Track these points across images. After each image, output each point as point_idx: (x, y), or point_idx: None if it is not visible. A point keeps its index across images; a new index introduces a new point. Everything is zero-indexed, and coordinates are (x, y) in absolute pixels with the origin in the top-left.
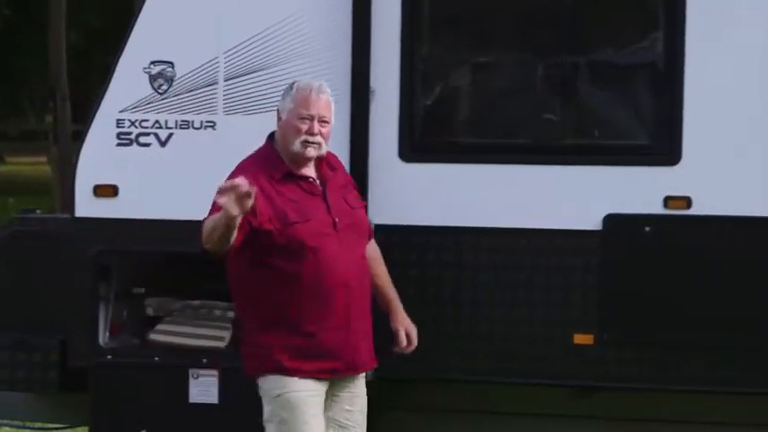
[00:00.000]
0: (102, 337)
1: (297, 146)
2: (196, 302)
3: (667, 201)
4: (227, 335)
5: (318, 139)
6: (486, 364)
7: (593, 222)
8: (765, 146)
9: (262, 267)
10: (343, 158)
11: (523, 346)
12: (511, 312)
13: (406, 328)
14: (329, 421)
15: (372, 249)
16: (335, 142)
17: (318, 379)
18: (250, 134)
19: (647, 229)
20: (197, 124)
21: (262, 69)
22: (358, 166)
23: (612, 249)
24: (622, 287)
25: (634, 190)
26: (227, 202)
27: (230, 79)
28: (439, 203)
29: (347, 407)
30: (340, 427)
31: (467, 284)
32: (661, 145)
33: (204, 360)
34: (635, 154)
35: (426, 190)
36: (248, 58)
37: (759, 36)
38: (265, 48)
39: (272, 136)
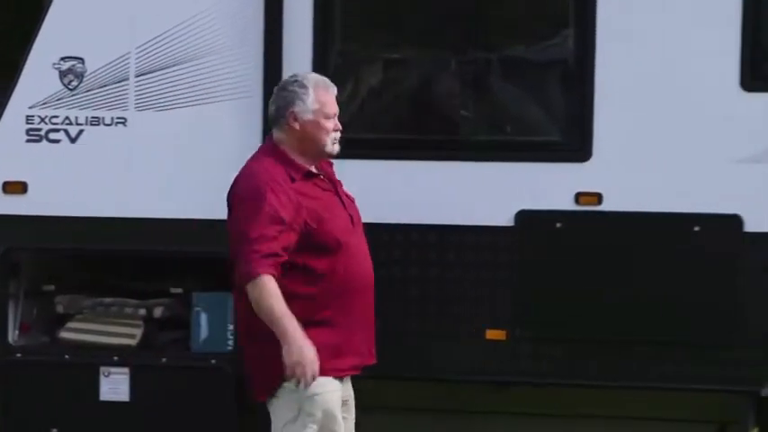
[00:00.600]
0: (12, 336)
1: (329, 145)
2: (107, 300)
3: (578, 197)
4: (138, 332)
5: (339, 134)
6: (401, 360)
7: (505, 218)
8: (674, 143)
9: (293, 269)
10: None
11: (437, 341)
12: (424, 308)
13: None
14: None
15: None
16: (251, 138)
17: (341, 378)
18: (161, 130)
19: (559, 225)
20: (108, 120)
21: (174, 65)
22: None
23: (525, 245)
24: (535, 283)
25: (546, 186)
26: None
27: (141, 75)
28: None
29: (345, 414)
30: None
31: (381, 281)
32: (572, 141)
33: (115, 358)
34: (547, 150)
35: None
36: (160, 55)
37: (669, 35)
38: (177, 44)
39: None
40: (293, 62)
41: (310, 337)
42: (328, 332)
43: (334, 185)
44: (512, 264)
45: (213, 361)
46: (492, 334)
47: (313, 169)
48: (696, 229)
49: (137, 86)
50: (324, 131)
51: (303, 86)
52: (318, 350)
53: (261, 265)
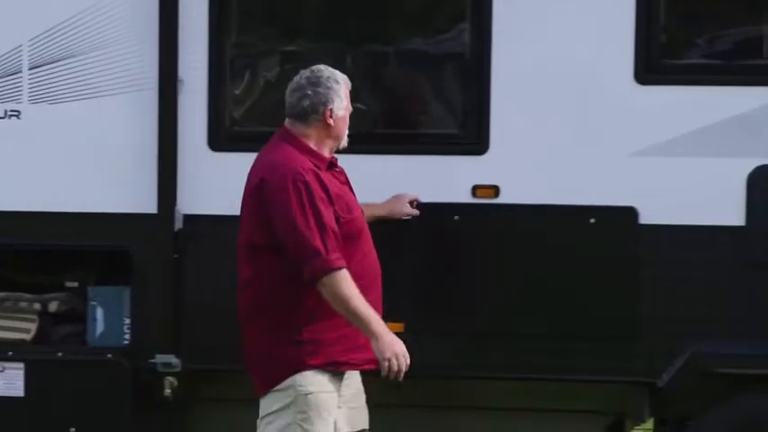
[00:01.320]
0: None
1: (345, 139)
2: (1, 294)
3: (475, 190)
4: (33, 327)
5: None
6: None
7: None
8: (570, 136)
9: None
10: (152, 149)
11: None
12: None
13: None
14: (338, 421)
15: None
16: (146, 131)
17: (339, 378)
18: (56, 123)
19: (456, 217)
20: (1, 113)
21: (68, 58)
22: (167, 157)
23: (423, 237)
24: (432, 275)
25: (443, 179)
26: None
27: (35, 68)
28: None
29: (352, 404)
30: (349, 424)
31: None
32: (469, 135)
33: (10, 353)
34: (444, 143)
35: (236, 179)
36: (54, 47)
37: (564, 28)
38: (71, 36)
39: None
40: (189, 55)
41: (322, 329)
42: (343, 324)
43: (346, 177)
44: (408, 256)
45: (109, 355)
46: (390, 327)
47: (333, 161)
48: (592, 221)
49: (30, 79)
50: (347, 127)
51: (337, 83)
52: (332, 342)
53: (338, 259)
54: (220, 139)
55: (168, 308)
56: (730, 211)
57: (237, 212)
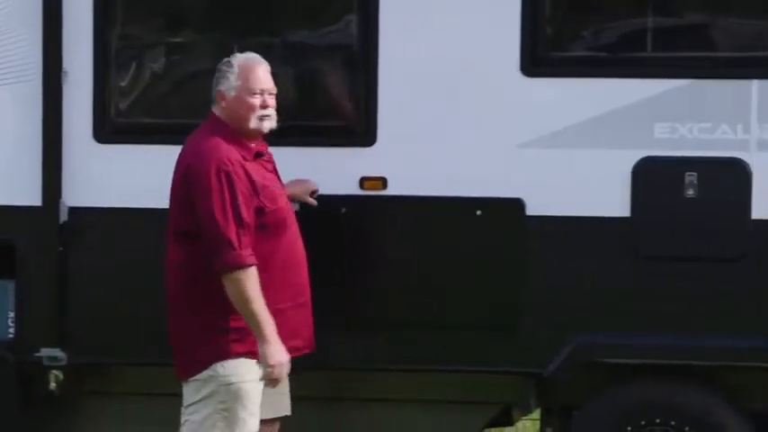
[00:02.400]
0: None
1: (254, 122)
2: None
3: (363, 181)
4: None
5: (271, 111)
6: None
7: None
8: (457, 128)
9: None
10: (36, 140)
11: None
12: None
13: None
14: (263, 406)
15: None
16: (30, 124)
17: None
18: None
19: (344, 209)
20: None
21: None
22: (52, 148)
23: (310, 230)
24: (320, 267)
25: (331, 171)
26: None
27: None
28: (135, 185)
29: (276, 391)
30: (274, 410)
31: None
32: (357, 126)
33: None
34: (331, 135)
35: (122, 172)
36: None
37: (451, 21)
38: None
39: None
40: (73, 46)
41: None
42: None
43: (274, 165)
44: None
45: None
46: None
47: (259, 150)
48: (479, 213)
49: None
50: (247, 107)
51: (230, 65)
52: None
53: (249, 255)
54: (106, 131)
55: (53, 301)
56: (616, 203)
57: (123, 205)
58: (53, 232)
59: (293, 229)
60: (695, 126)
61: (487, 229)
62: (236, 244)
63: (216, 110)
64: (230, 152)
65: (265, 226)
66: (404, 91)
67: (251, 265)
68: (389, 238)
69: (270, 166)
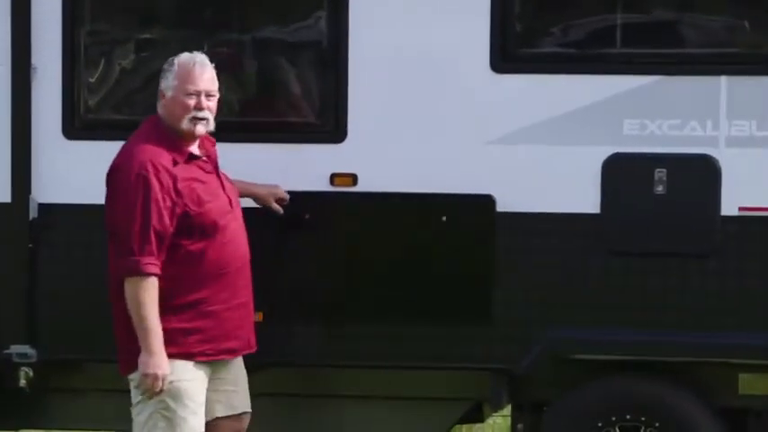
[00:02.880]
0: None
1: (185, 123)
2: None
3: (333, 178)
4: None
5: (206, 114)
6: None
7: None
8: (428, 124)
9: (168, 251)
10: (5, 137)
11: None
12: None
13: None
14: (216, 404)
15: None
16: None
17: (210, 363)
18: None
19: (314, 206)
20: None
21: None
22: (21, 144)
23: (281, 226)
24: (290, 264)
25: (301, 167)
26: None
27: None
28: (104, 182)
29: (232, 387)
30: (230, 407)
31: None
32: (327, 123)
33: None
34: (301, 132)
35: (91, 168)
36: None
37: (421, 17)
38: None
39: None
40: (42, 42)
41: (177, 320)
42: (197, 315)
43: (216, 167)
44: (268, 245)
45: None
46: None
47: (195, 151)
48: (449, 209)
49: None
50: (182, 108)
51: (171, 64)
52: (187, 334)
53: (148, 264)
54: (75, 127)
55: (23, 298)
56: (586, 199)
57: (93, 201)
58: (22, 228)
59: (231, 229)
60: (664, 122)
61: (458, 226)
62: (136, 250)
63: (158, 108)
64: (156, 156)
65: (192, 228)
66: (374, 87)
67: (149, 275)
68: (359, 234)
69: (209, 167)
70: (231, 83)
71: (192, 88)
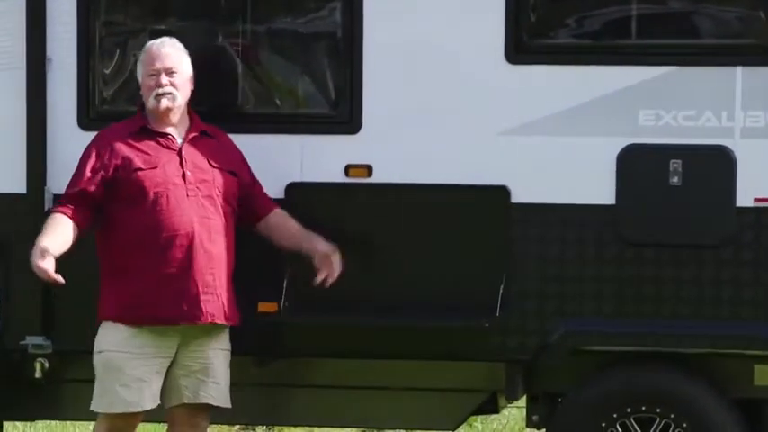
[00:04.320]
0: None
1: (152, 102)
2: None
3: (348, 169)
4: None
5: (168, 89)
6: None
7: (275, 191)
8: (442, 115)
9: (108, 214)
10: (20, 128)
11: None
12: None
13: (322, 253)
14: (175, 391)
15: (278, 216)
16: (14, 112)
17: (157, 332)
18: None
19: (330, 197)
20: None
21: None
22: (36, 136)
23: (295, 217)
24: (306, 256)
25: (316, 159)
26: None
27: None
28: None
29: (201, 377)
30: (189, 396)
31: None
32: (342, 114)
33: None
34: (316, 123)
35: None
36: None
37: (436, 7)
38: None
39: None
40: (57, 34)
41: (114, 284)
42: (132, 281)
43: (185, 145)
44: None
45: None
46: (264, 306)
47: (152, 127)
48: (464, 200)
49: None
50: (146, 89)
51: (143, 51)
52: (119, 297)
53: (59, 206)
54: (90, 118)
55: (38, 289)
56: (600, 191)
57: None
58: (38, 219)
59: (171, 202)
60: (680, 113)
61: (473, 217)
62: (63, 199)
63: None
64: (109, 129)
65: (122, 193)
66: (389, 78)
67: (54, 211)
68: (374, 225)
69: (167, 143)
70: (246, 74)
71: (151, 69)
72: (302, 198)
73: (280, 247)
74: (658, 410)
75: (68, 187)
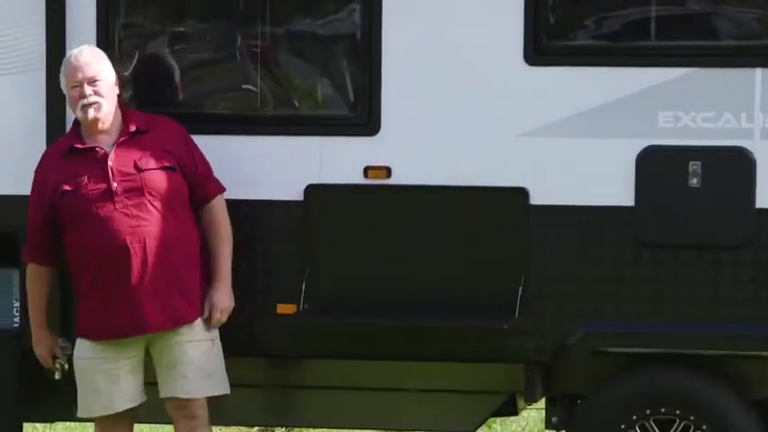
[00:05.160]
0: None
1: (79, 113)
2: None
3: (367, 171)
4: None
5: (93, 98)
6: None
7: (294, 193)
8: (461, 117)
9: (61, 237)
10: (41, 130)
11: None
12: None
13: (211, 304)
14: (160, 386)
15: (211, 212)
16: (34, 112)
17: (110, 343)
18: None
19: (348, 198)
20: None
21: None
22: (54, 136)
23: (314, 219)
24: (324, 257)
25: (335, 160)
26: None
27: None
28: None
29: (171, 371)
30: (167, 390)
31: None
32: (361, 116)
33: None
34: (335, 125)
35: None
36: None
37: (454, 9)
38: None
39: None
40: (76, 36)
41: (79, 300)
42: (86, 299)
43: (112, 155)
44: (302, 238)
45: None
46: (283, 308)
47: (80, 142)
48: (483, 202)
49: None
50: (73, 102)
51: (62, 63)
52: (82, 313)
53: (25, 252)
54: None
55: (57, 290)
56: (619, 192)
57: None
58: None
59: (100, 222)
60: (699, 115)
61: (491, 219)
62: (27, 240)
63: None
64: (48, 150)
65: (60, 216)
66: (407, 80)
67: (24, 262)
68: (393, 227)
69: (93, 157)
70: (265, 76)
71: (73, 80)
72: (321, 200)
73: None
74: (678, 412)
75: (28, 221)
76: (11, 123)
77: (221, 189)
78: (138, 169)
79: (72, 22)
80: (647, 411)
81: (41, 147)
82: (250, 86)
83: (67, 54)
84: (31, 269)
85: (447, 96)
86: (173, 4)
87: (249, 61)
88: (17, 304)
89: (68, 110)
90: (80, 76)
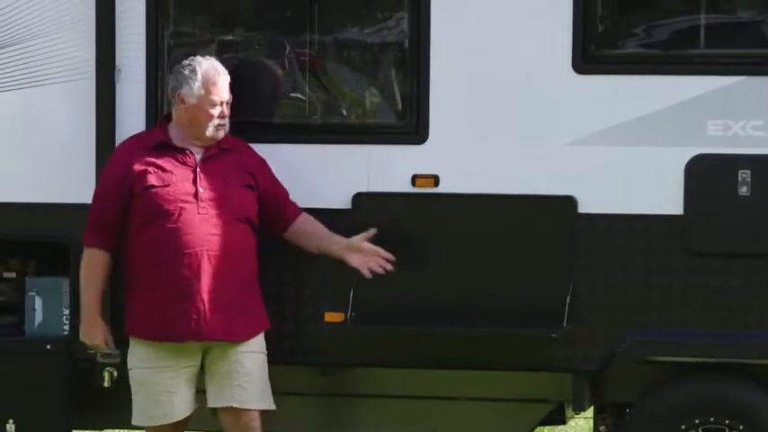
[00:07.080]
0: None
1: (211, 130)
2: None
3: (415, 179)
4: None
5: (226, 120)
6: None
7: (342, 201)
8: (510, 125)
9: (127, 230)
10: (90, 138)
11: (275, 323)
12: (264, 290)
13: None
14: (209, 395)
15: (304, 223)
16: (84, 121)
17: (169, 350)
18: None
19: (396, 207)
20: None
21: (8, 46)
22: (105, 146)
23: (362, 227)
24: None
25: (383, 168)
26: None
27: None
28: None
29: (227, 381)
30: (220, 399)
31: None
32: (409, 124)
33: None
34: (383, 133)
35: None
36: None
37: (503, 17)
38: (8, 25)
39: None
40: (126, 44)
41: (131, 299)
42: (143, 297)
43: (202, 162)
44: None
45: (48, 346)
46: (331, 316)
47: (172, 141)
48: (531, 210)
49: None
50: (206, 117)
51: (194, 72)
52: (135, 314)
53: (87, 236)
54: None
55: (107, 300)
56: (669, 201)
57: None
58: None
59: (183, 219)
60: (748, 123)
61: (540, 227)
62: (88, 223)
63: (172, 108)
64: (133, 138)
65: (139, 210)
66: (455, 88)
67: (86, 246)
68: (441, 235)
69: (183, 159)
70: (313, 84)
71: (217, 99)
72: (369, 208)
73: (310, 252)
74: (727, 422)
75: (91, 210)
76: (60, 133)
77: (300, 211)
78: (225, 182)
79: (121, 30)
80: (696, 421)
81: (91, 156)
82: (298, 95)
83: (206, 66)
84: (92, 254)
85: (495, 105)
86: (222, 13)
87: (297, 69)
88: (67, 312)
89: (118, 119)
90: (224, 97)
